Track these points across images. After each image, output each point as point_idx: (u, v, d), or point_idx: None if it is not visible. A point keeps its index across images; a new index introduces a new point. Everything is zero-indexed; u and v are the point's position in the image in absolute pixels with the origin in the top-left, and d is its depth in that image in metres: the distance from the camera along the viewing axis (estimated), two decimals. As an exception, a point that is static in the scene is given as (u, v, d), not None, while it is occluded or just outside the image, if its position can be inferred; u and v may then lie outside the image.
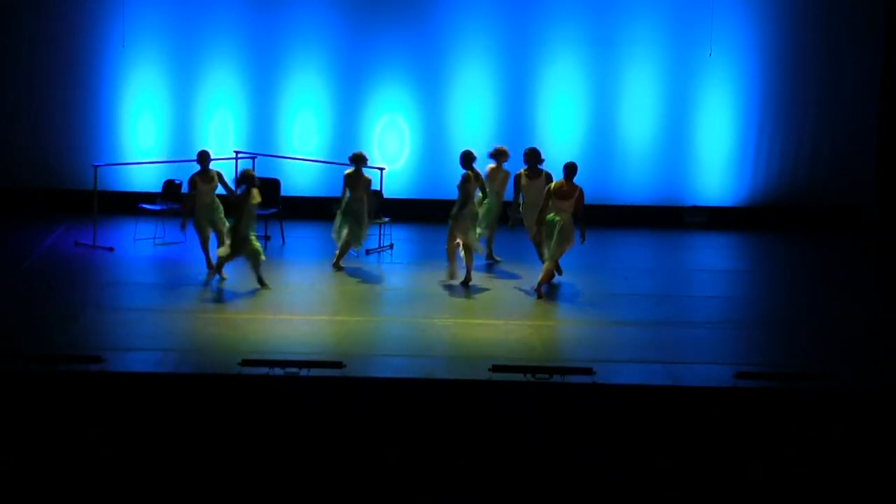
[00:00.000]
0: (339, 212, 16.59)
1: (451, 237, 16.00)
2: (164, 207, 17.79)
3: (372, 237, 17.75)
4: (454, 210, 15.98)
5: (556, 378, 12.31)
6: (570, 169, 15.65)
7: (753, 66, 19.69)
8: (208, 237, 16.19)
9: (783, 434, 12.03)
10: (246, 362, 12.46)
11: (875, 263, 18.02)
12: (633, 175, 19.73)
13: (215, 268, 15.91)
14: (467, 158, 16.04)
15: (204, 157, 16.23)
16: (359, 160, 16.47)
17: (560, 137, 19.69)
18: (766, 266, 18.00)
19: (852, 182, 19.74)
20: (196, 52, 19.42)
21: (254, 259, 15.65)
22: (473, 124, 19.57)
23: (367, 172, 16.62)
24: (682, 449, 11.98)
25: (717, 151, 19.82)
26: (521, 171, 16.62)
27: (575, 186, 15.58)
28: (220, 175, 16.25)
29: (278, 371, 12.20)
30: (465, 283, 15.98)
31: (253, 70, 19.49)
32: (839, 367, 12.99)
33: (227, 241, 15.80)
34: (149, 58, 19.35)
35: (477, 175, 16.08)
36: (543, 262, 15.73)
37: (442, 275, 16.20)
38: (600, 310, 15.20)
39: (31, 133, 19.41)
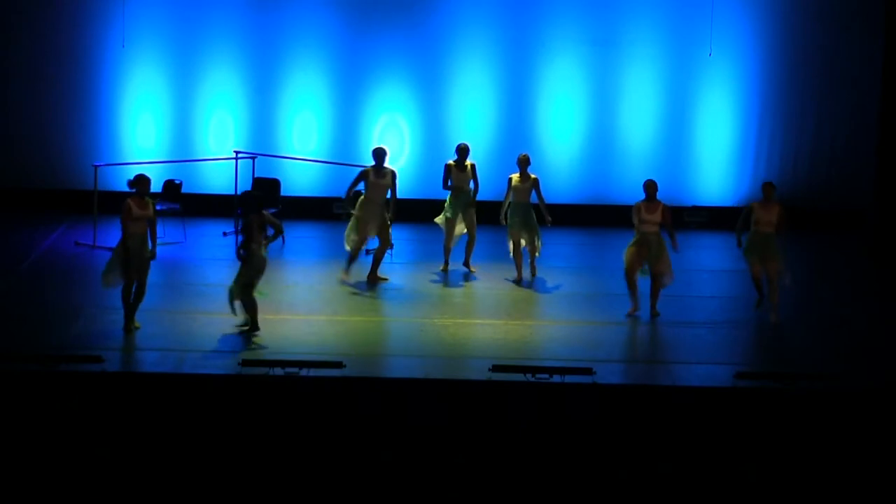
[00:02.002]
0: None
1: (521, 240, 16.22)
2: (164, 207, 17.76)
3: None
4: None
5: (556, 378, 12.30)
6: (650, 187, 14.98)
7: (753, 66, 19.68)
8: (130, 282, 13.79)
9: (783, 434, 12.03)
10: (246, 362, 12.47)
11: (875, 264, 18.00)
12: (633, 175, 19.64)
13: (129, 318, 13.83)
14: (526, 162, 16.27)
15: (140, 182, 13.74)
16: None
17: (560, 137, 19.70)
18: (766, 266, 17.95)
19: (852, 183, 19.71)
20: (196, 52, 19.41)
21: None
22: (473, 124, 19.56)
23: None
24: (682, 449, 11.98)
25: (717, 151, 19.80)
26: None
27: (658, 202, 14.96)
28: (152, 206, 13.87)
29: (278, 371, 12.20)
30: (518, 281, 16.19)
31: (253, 70, 19.48)
32: (839, 367, 12.98)
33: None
34: (149, 58, 19.35)
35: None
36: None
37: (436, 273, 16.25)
38: (600, 310, 15.19)
39: (31, 133, 19.40)
